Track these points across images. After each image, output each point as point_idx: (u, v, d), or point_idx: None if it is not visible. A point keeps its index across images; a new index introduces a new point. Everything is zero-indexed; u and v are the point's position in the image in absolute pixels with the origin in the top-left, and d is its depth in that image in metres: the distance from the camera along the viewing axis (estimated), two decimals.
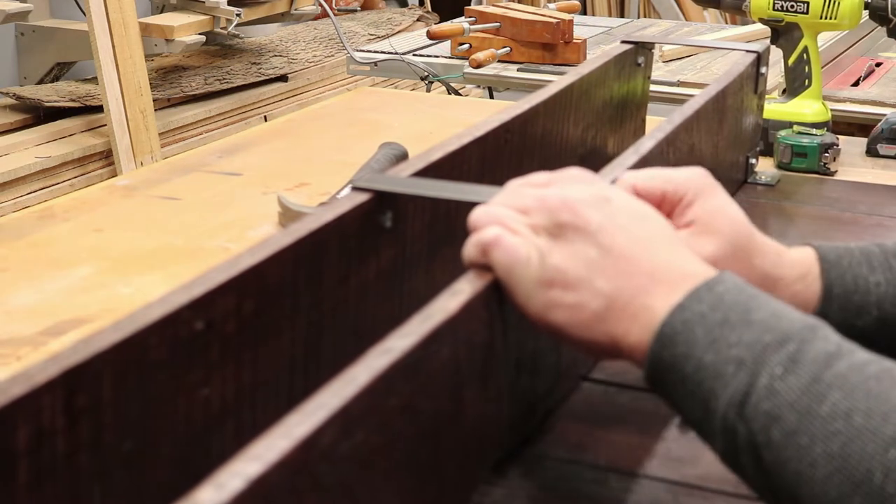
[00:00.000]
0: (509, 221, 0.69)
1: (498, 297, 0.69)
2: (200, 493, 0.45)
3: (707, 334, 0.64)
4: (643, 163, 0.93)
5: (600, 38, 2.79)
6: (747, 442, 0.62)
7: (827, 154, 1.47)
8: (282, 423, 0.51)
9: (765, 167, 1.47)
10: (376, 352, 0.58)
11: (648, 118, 1.39)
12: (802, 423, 0.59)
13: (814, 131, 1.50)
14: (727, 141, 1.26)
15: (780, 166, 1.49)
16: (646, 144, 0.96)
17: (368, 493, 0.57)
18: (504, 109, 1.04)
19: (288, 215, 1.28)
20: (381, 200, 0.80)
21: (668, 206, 0.78)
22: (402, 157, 1.37)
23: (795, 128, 1.51)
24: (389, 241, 0.82)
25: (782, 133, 1.50)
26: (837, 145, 1.49)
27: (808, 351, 0.62)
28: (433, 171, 0.88)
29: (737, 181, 1.37)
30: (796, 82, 1.60)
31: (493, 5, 2.70)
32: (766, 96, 1.47)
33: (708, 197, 0.79)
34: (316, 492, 0.51)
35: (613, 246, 0.67)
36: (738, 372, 0.62)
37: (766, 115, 1.48)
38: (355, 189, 0.81)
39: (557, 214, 0.68)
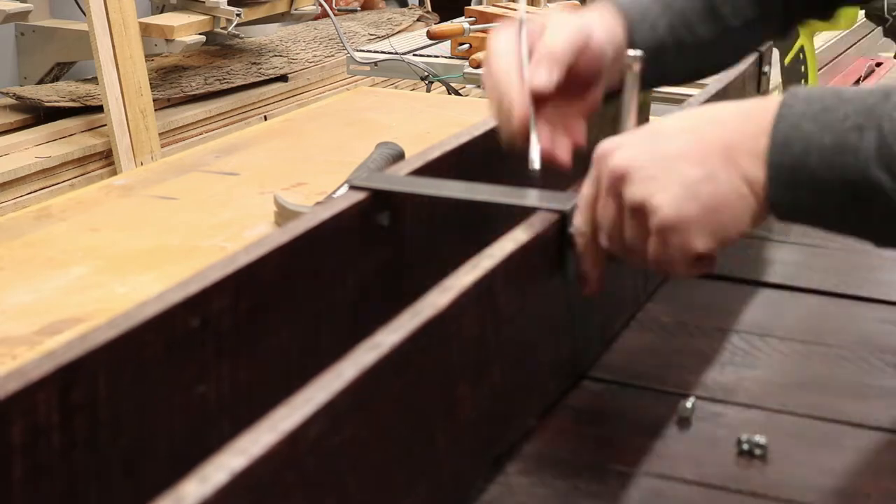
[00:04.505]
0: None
1: (490, 292, 0.69)
2: (185, 487, 0.45)
3: (815, 123, 0.68)
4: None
5: None
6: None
7: None
8: (268, 417, 0.51)
9: None
10: (364, 347, 0.58)
11: (650, 117, 1.39)
12: None
13: None
14: None
15: None
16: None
17: (359, 489, 0.57)
18: None
19: (284, 215, 1.28)
20: (378, 199, 0.80)
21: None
22: (399, 156, 1.37)
23: None
24: (386, 239, 0.82)
25: None
26: None
27: None
28: (431, 170, 0.88)
29: None
30: (793, 82, 1.60)
31: (493, 5, 2.70)
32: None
33: None
34: (304, 486, 0.51)
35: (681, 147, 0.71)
36: (862, 135, 0.67)
37: None
38: (352, 188, 0.81)
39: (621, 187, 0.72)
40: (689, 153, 0.71)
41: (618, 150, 0.73)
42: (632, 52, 0.87)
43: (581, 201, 0.76)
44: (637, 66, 0.86)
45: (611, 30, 0.92)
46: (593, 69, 0.89)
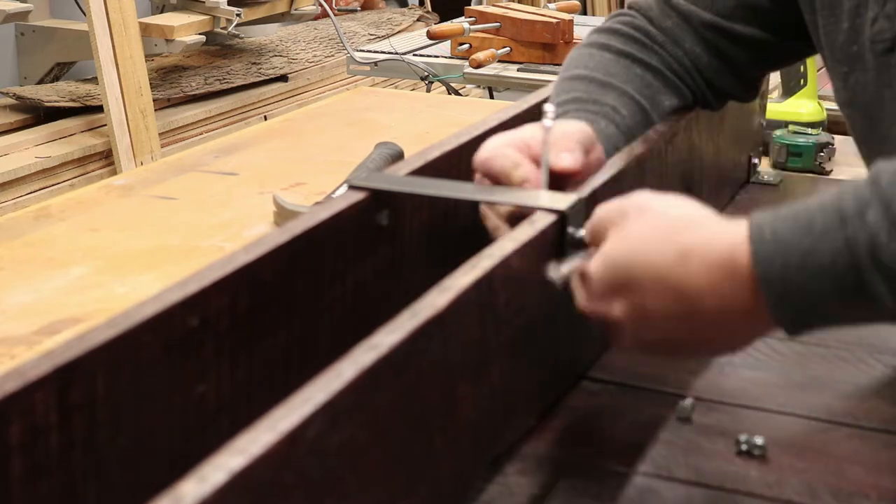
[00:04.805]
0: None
1: (489, 293, 0.69)
2: (184, 486, 0.45)
3: (802, 273, 0.66)
4: (638, 162, 0.93)
5: None
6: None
7: (822, 153, 1.47)
8: (267, 417, 0.51)
9: (767, 167, 1.48)
10: (363, 347, 0.58)
11: None
12: None
13: (809, 131, 1.50)
14: (729, 140, 1.26)
15: (775, 165, 1.49)
16: (641, 144, 0.96)
17: (358, 489, 0.57)
18: (502, 109, 1.04)
19: (283, 215, 1.28)
20: (378, 199, 0.80)
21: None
22: (398, 156, 1.37)
23: (791, 127, 1.51)
24: (386, 239, 0.82)
25: (778, 132, 1.50)
26: (832, 145, 1.49)
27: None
28: (430, 170, 0.88)
29: (739, 181, 1.37)
30: (792, 82, 1.60)
31: (493, 5, 2.70)
32: (768, 96, 1.47)
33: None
34: (302, 486, 0.51)
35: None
36: (861, 277, 0.65)
37: None
38: (351, 188, 0.81)
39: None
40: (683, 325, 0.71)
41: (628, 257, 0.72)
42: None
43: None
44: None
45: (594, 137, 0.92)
46: (595, 170, 0.89)
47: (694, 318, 0.70)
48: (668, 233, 0.71)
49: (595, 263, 0.73)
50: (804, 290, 0.67)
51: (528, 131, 0.87)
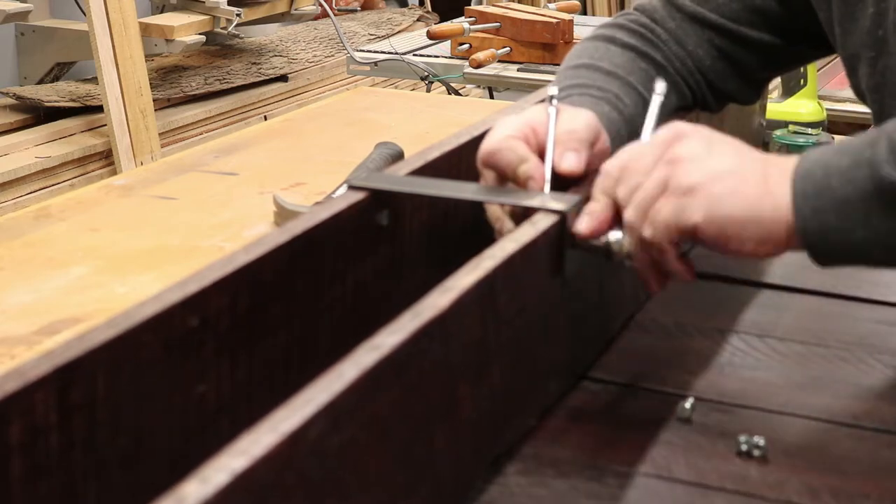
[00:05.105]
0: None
1: (491, 293, 0.69)
2: (186, 488, 0.45)
3: (832, 152, 0.76)
4: None
5: None
6: None
7: None
8: (269, 417, 0.51)
9: None
10: (365, 348, 0.58)
11: None
12: None
13: (809, 131, 1.50)
14: None
15: None
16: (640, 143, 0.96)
17: (359, 490, 0.57)
18: (502, 109, 1.04)
19: (283, 215, 1.28)
20: (378, 199, 0.80)
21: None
22: (398, 156, 1.37)
23: (791, 127, 1.51)
24: (386, 239, 0.82)
25: (778, 133, 1.50)
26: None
27: None
28: (430, 170, 0.88)
29: None
30: (792, 82, 1.60)
31: (493, 5, 2.70)
32: (768, 96, 1.47)
33: None
34: (304, 487, 0.51)
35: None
36: (874, 148, 0.74)
37: None
38: (351, 188, 0.81)
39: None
40: (736, 172, 0.77)
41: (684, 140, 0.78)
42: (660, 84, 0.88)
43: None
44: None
45: (599, 126, 0.92)
46: (600, 161, 0.87)
47: (738, 176, 0.76)
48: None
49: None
50: (827, 164, 0.75)
51: (536, 115, 0.87)
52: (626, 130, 0.96)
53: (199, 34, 3.10)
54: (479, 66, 2.40)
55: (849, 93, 2.25)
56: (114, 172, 2.82)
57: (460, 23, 2.55)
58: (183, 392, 0.64)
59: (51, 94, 2.93)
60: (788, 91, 1.61)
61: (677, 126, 0.79)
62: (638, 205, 0.77)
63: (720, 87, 1.07)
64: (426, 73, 2.52)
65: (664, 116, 1.03)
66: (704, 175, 0.76)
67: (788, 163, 0.77)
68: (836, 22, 0.99)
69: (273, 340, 0.72)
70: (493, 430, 0.73)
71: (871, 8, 0.95)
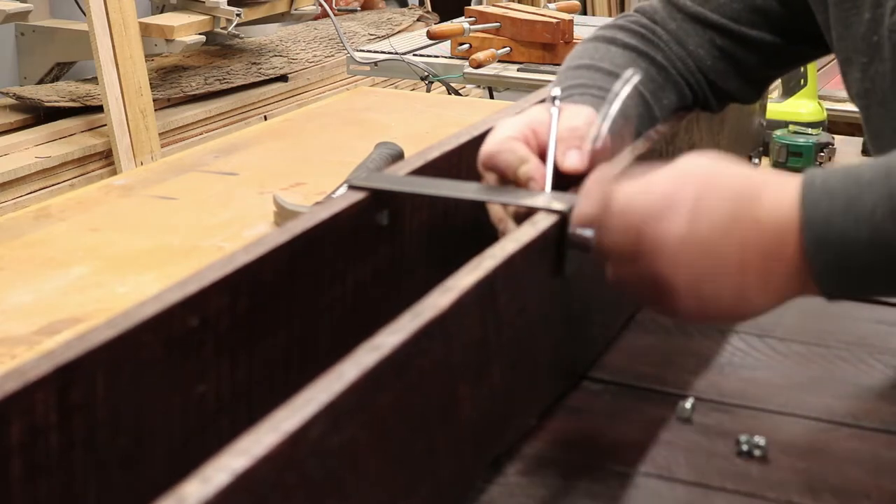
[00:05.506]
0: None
1: (491, 293, 0.69)
2: (186, 487, 0.45)
3: (846, 219, 0.68)
4: (640, 162, 0.92)
5: None
6: None
7: (822, 153, 1.47)
8: (269, 417, 0.51)
9: (767, 167, 1.47)
10: (365, 348, 0.58)
11: None
12: None
13: (809, 131, 1.50)
14: (729, 140, 1.26)
15: (775, 165, 1.49)
16: (642, 144, 0.96)
17: (359, 490, 0.57)
18: (502, 110, 1.04)
19: (283, 215, 1.28)
20: (378, 199, 0.80)
21: None
22: (398, 156, 1.37)
23: (791, 127, 1.51)
24: (386, 239, 0.82)
25: (778, 132, 1.50)
26: (832, 145, 1.49)
27: None
28: (430, 170, 0.88)
29: None
30: (792, 82, 1.60)
31: (493, 5, 2.70)
32: (768, 96, 1.47)
33: None
34: (304, 487, 0.51)
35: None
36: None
37: None
38: (351, 188, 0.81)
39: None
40: (727, 261, 0.71)
41: (663, 221, 0.72)
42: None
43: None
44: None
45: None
46: (602, 158, 0.86)
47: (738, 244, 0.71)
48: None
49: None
50: (844, 236, 0.68)
51: (536, 115, 0.87)
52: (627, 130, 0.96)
53: (199, 34, 3.10)
54: (479, 66, 2.40)
55: None
56: (114, 172, 2.82)
57: (460, 23, 2.55)
58: (183, 392, 0.64)
59: (51, 94, 2.93)
60: (788, 91, 1.61)
61: (664, 188, 0.73)
62: (615, 275, 0.76)
63: (721, 86, 1.07)
64: (426, 73, 2.52)
65: (665, 116, 1.04)
66: (687, 281, 0.72)
67: (792, 236, 0.70)
68: (831, 25, 0.99)
69: (273, 340, 0.72)
70: (493, 430, 0.73)
71: (867, 13, 0.95)
